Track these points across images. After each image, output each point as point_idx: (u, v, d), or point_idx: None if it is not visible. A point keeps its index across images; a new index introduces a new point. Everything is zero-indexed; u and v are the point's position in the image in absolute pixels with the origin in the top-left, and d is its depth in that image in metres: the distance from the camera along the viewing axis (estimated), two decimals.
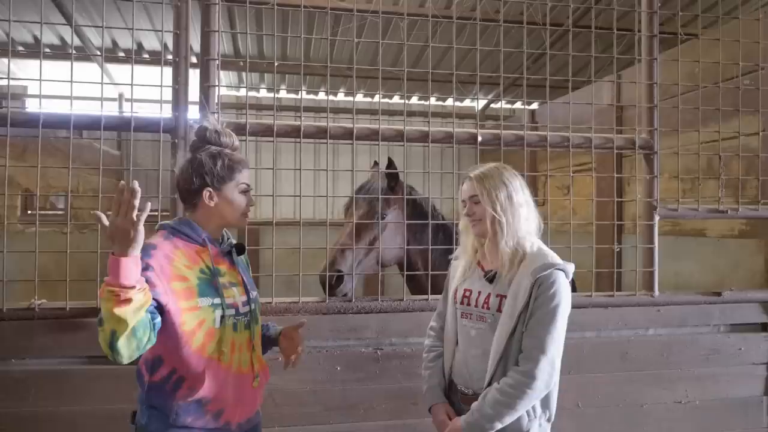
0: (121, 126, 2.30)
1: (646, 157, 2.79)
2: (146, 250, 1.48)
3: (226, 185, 1.63)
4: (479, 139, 2.59)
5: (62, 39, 6.38)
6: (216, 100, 2.39)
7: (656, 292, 2.74)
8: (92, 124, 2.24)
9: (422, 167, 2.70)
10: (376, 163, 3.23)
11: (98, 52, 5.95)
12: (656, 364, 2.74)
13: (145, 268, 1.45)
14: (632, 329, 2.75)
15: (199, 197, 1.63)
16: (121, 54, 6.67)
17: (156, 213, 2.36)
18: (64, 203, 5.85)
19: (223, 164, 1.63)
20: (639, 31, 2.81)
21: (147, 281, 1.42)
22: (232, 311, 1.61)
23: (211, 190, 1.62)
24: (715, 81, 2.87)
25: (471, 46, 2.66)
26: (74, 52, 2.30)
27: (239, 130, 2.38)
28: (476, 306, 1.78)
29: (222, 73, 7.87)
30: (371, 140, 2.50)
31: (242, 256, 1.80)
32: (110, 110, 7.32)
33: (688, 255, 3.74)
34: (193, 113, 2.39)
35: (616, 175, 2.92)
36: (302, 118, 2.43)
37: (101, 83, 2.30)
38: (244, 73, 7.57)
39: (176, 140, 2.30)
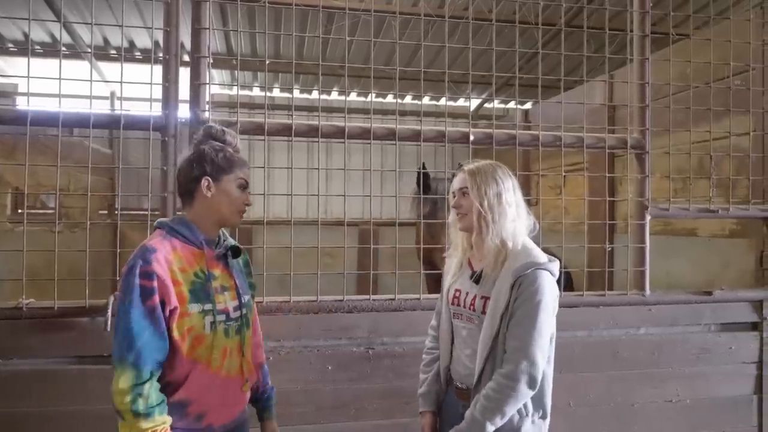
0: (110, 124, 2.28)
1: (638, 156, 2.80)
2: (146, 256, 1.49)
3: (225, 177, 1.64)
4: (471, 138, 2.58)
5: (53, 36, 6.33)
6: (207, 98, 2.37)
7: (647, 292, 2.75)
8: (81, 122, 2.22)
9: (415, 166, 2.70)
10: (423, 165, 3.30)
11: (88, 50, 5.90)
12: (647, 363, 2.75)
13: (149, 276, 1.46)
14: (623, 328, 2.76)
15: (197, 187, 1.63)
16: (112, 52, 6.62)
17: (146, 212, 2.35)
18: (54, 202, 5.81)
19: (224, 156, 1.66)
20: (631, 31, 2.81)
21: (153, 291, 1.46)
22: (223, 317, 1.60)
23: (209, 179, 1.62)
24: (707, 81, 2.88)
25: (464, 45, 2.65)
26: (64, 49, 2.28)
27: (230, 128, 2.36)
28: (464, 307, 1.79)
29: (215, 71, 7.80)
30: (363, 139, 2.49)
31: (239, 258, 1.79)
32: (101, 108, 7.27)
33: (680, 254, 3.75)
34: (183, 111, 2.37)
35: (608, 175, 2.92)
36: (294, 117, 2.41)
37: (90, 81, 2.28)
38: (236, 72, 7.53)
39: (166, 138, 2.28)
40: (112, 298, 2.22)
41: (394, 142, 2.51)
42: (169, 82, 2.30)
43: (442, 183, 3.47)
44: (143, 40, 6.55)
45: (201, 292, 1.57)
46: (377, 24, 5.30)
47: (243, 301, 1.70)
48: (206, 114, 2.32)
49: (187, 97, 2.35)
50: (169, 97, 2.30)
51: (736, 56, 2.86)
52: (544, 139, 2.67)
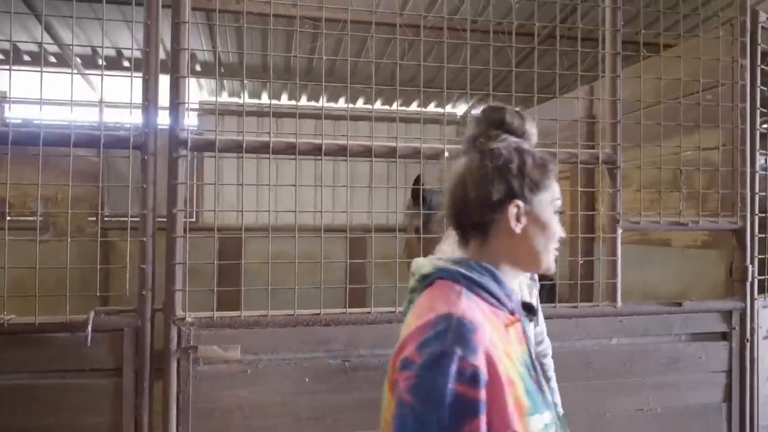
0: (90, 143, 2.32)
1: (610, 171, 2.87)
2: (466, 340, 0.90)
3: (540, 197, 1.06)
4: (446, 154, 2.65)
5: (40, 46, 6.36)
6: (186, 117, 2.42)
7: (619, 303, 2.82)
8: (61, 141, 2.26)
9: (402, 174, 2.74)
10: (418, 177, 3.37)
11: (75, 60, 5.93)
12: (619, 372, 2.82)
13: (474, 380, 0.88)
14: (596, 339, 2.83)
15: (497, 217, 1.05)
16: (100, 62, 6.65)
17: (125, 218, 2.38)
18: (43, 210, 5.83)
19: (534, 163, 1.06)
20: (603, 49, 2.89)
21: (478, 410, 0.88)
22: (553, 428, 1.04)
23: (519, 203, 1.04)
24: (678, 96, 2.96)
25: (440, 64, 2.72)
26: (46, 69, 2.32)
27: (208, 146, 2.42)
28: None
29: (203, 80, 7.78)
30: (340, 155, 2.55)
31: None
32: (88, 117, 7.29)
33: (655, 264, 3.83)
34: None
35: (580, 190, 3.00)
36: (271, 135, 2.46)
37: (71, 103, 2.32)
38: (225, 81, 7.58)
39: (146, 157, 2.33)
40: (92, 314, 2.27)
41: (369, 159, 2.57)
42: (149, 101, 2.35)
43: (437, 195, 3.52)
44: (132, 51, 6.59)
45: (536, 392, 1.01)
46: (360, 36, 5.36)
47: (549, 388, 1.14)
48: (185, 133, 2.37)
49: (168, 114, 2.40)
50: (148, 117, 2.35)
51: (706, 73, 2.94)
52: None
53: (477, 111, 1.09)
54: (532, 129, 1.13)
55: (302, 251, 2.53)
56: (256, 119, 7.23)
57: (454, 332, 0.91)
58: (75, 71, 2.53)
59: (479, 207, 1.05)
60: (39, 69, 2.28)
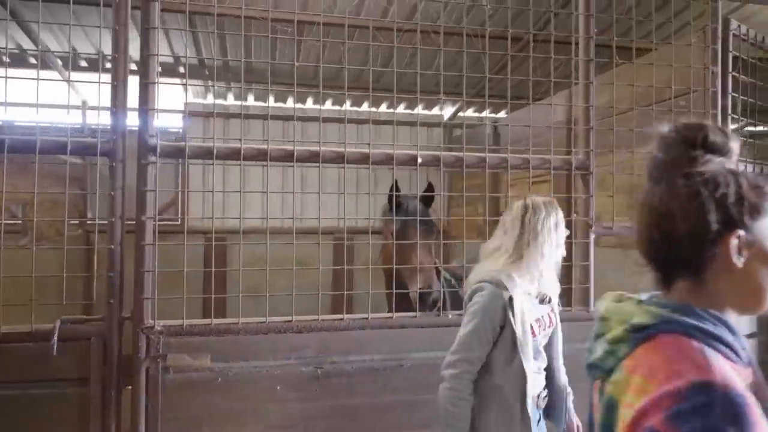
0: (57, 150, 2.30)
1: (583, 177, 2.88)
2: (739, 415, 0.76)
3: (761, 223, 0.92)
4: (419, 160, 2.65)
5: (20, 47, 6.30)
6: (155, 123, 2.40)
7: (592, 308, 2.83)
8: (27, 148, 2.24)
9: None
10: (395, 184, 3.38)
11: (57, 62, 5.88)
12: None
13: None
14: (570, 343, 2.83)
15: (718, 250, 0.92)
16: (81, 63, 6.59)
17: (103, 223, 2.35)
18: (21, 215, 5.76)
19: (750, 184, 0.93)
20: (576, 55, 2.90)
21: None
22: None
23: (741, 233, 0.91)
24: (652, 102, 2.98)
25: (415, 70, 2.72)
26: (13, 73, 2.30)
27: (178, 153, 2.40)
28: (544, 329, 2.17)
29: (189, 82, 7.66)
30: (312, 162, 2.54)
31: None
32: (70, 120, 7.22)
33: (633, 267, 3.84)
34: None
35: (554, 196, 3.01)
36: (242, 142, 2.45)
37: (36, 105, 2.30)
38: (209, 82, 7.53)
39: (114, 164, 2.31)
40: (58, 323, 2.24)
41: (342, 165, 2.56)
42: (117, 107, 2.33)
43: (413, 201, 3.50)
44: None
45: None
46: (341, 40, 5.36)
47: None
48: (154, 140, 2.35)
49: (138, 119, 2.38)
50: (117, 123, 2.33)
51: (678, 79, 2.96)
52: (491, 161, 2.75)
53: (666, 131, 1.02)
54: (735, 145, 0.99)
55: (288, 255, 2.52)
56: (247, 122, 7.20)
57: (723, 407, 0.76)
58: (44, 74, 2.50)
59: (694, 242, 0.92)
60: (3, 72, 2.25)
